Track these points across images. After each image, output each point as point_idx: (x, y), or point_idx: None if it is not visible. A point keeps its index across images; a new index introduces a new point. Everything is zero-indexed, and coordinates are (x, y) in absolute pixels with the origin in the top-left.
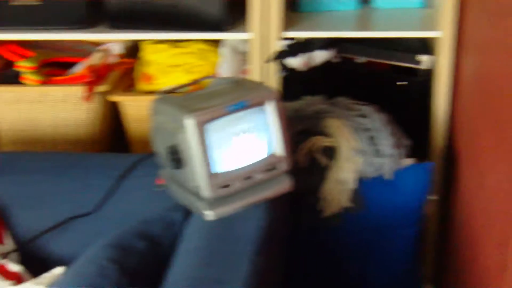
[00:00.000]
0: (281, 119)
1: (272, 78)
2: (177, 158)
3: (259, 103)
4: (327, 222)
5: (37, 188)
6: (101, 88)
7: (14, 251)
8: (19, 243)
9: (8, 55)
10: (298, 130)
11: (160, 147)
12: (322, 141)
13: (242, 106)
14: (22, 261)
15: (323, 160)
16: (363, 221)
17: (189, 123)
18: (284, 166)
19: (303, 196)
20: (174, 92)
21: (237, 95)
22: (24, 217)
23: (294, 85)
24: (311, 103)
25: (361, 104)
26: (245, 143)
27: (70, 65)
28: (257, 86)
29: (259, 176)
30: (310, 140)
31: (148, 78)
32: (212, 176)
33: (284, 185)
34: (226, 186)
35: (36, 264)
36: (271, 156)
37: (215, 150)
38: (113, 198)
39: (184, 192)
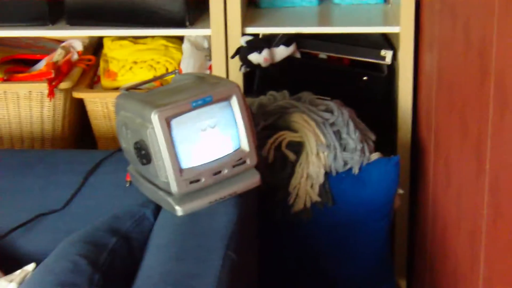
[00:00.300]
0: (245, 113)
1: (235, 74)
2: (144, 154)
3: (224, 98)
4: (297, 217)
5: (3, 185)
6: (64, 85)
7: None
8: None
9: None
10: (264, 125)
11: (127, 143)
12: (288, 136)
13: (207, 101)
14: None
15: (290, 155)
16: (333, 216)
17: (155, 119)
18: (251, 161)
19: (272, 191)
20: (138, 88)
21: (201, 90)
22: None
23: (257, 81)
24: (275, 98)
25: (325, 99)
26: (212, 138)
27: (31, 62)
28: (221, 81)
29: (227, 171)
30: (276, 135)
31: (112, 75)
32: (180, 171)
33: (252, 180)
34: (195, 181)
35: (6, 261)
36: (238, 151)
37: (182, 145)
38: (82, 194)
39: (153, 188)
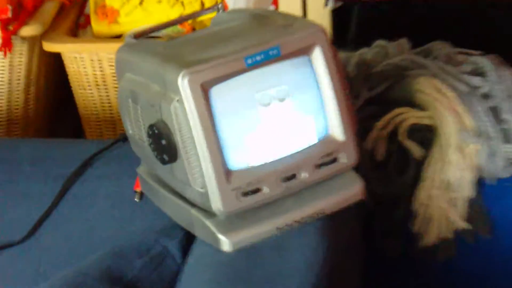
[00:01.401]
0: (337, 77)
1: (317, 13)
2: (165, 146)
3: (300, 51)
4: (429, 256)
5: None
6: (29, 30)
7: None
8: None
9: None
10: (369, 97)
11: (136, 128)
12: (410, 117)
13: (272, 56)
14: None
15: (415, 149)
16: (492, 254)
17: (184, 85)
18: (347, 158)
19: (384, 210)
20: (154, 36)
21: (261, 39)
22: None
23: (354, 24)
24: (386, 52)
25: (472, 53)
26: (281, 118)
27: None
28: (294, 22)
29: (307, 176)
30: (390, 115)
31: (110, 13)
32: (227, 175)
33: (350, 190)
34: (253, 192)
35: None
36: (325, 141)
37: (231, 130)
38: (58, 215)
39: (181, 204)
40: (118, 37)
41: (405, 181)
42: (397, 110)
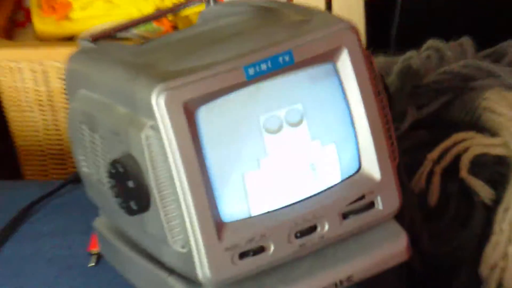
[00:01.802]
0: (373, 92)
1: (349, 2)
2: (132, 190)
3: (320, 58)
4: None
5: None
6: None
7: None
8: None
9: None
10: (417, 119)
11: (92, 165)
12: (477, 145)
13: (282, 65)
14: None
15: (483, 189)
16: None
17: (161, 106)
18: (386, 203)
19: (438, 277)
20: (119, 38)
21: (267, 41)
22: None
23: (397, 19)
24: (442, 56)
25: None
26: (293, 149)
27: None
28: (314, 19)
29: (328, 229)
30: (449, 143)
31: (58, 7)
32: (219, 229)
33: (388, 249)
34: (254, 253)
35: None
36: (355, 179)
37: (224, 168)
38: None
39: (151, 269)
40: (70, 39)
41: (469, 236)
42: (458, 136)
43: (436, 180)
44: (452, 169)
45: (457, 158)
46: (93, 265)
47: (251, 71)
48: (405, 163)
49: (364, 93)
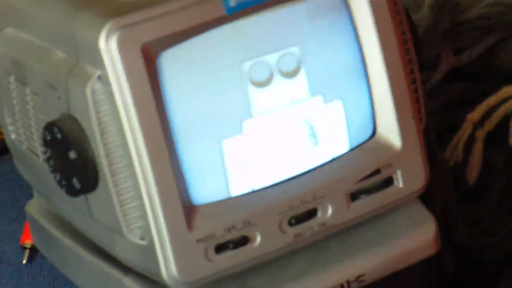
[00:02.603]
0: (395, 32)
1: None
2: (74, 163)
3: None
4: None
5: None
6: None
7: None
8: None
9: None
10: (454, 67)
11: (21, 129)
12: None
13: None
14: None
15: None
16: None
17: (112, 49)
18: (408, 179)
19: (479, 276)
20: None
21: None
22: None
23: None
24: None
25: None
26: (286, 108)
27: None
28: None
29: (333, 213)
30: (496, 100)
31: None
32: (190, 215)
33: (412, 240)
34: (235, 245)
35: None
36: (368, 148)
37: (196, 132)
38: None
39: (101, 266)
40: None
41: None
42: (508, 90)
43: (478, 149)
44: (500, 135)
45: (506, 120)
46: (24, 262)
47: (232, 1)
48: (436, 127)
49: (382, 32)
